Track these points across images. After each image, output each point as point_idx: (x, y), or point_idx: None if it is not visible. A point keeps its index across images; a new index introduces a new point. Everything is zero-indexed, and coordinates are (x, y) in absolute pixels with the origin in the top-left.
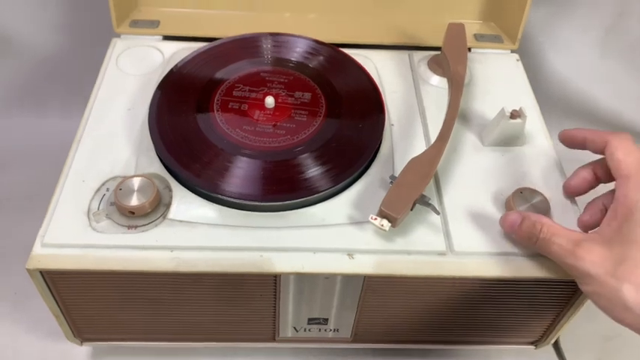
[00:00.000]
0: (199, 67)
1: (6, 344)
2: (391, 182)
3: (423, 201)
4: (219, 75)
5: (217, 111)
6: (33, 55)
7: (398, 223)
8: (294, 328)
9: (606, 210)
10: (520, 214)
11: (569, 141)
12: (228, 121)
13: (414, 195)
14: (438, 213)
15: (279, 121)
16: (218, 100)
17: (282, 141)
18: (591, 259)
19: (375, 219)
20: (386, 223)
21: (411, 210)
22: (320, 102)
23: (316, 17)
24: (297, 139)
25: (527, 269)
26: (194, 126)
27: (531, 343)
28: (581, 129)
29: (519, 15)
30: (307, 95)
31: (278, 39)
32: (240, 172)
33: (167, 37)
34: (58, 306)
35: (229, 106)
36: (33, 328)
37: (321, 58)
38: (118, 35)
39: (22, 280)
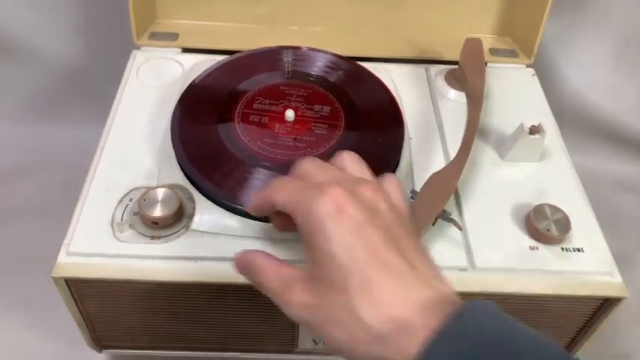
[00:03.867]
0: (220, 79)
1: (24, 350)
2: (412, 197)
3: (445, 216)
4: (239, 88)
5: (239, 123)
6: (52, 65)
7: (420, 238)
8: (314, 340)
9: None
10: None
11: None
12: (250, 133)
13: (435, 210)
14: (460, 228)
15: (300, 134)
16: (239, 113)
17: (303, 154)
18: (297, 299)
19: None
20: None
21: (433, 225)
22: (339, 115)
23: (336, 31)
24: (317, 152)
25: (550, 286)
26: (216, 138)
27: None
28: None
29: (535, 30)
30: (326, 109)
31: (297, 52)
32: (260, 185)
33: (186, 50)
34: (80, 313)
35: (250, 119)
36: (51, 335)
37: (340, 72)
38: (137, 47)
39: (40, 288)
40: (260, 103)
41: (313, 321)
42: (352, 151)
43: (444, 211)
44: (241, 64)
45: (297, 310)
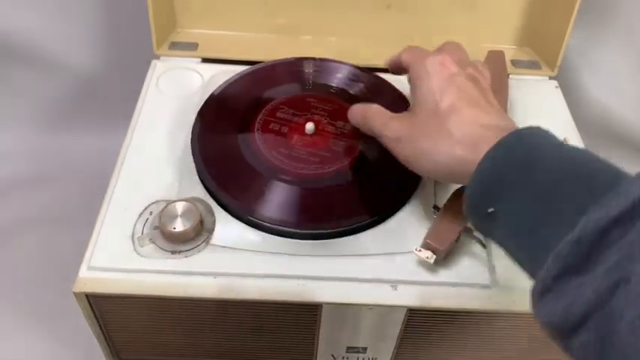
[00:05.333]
0: (242, 89)
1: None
2: (434, 212)
3: (469, 233)
4: (261, 97)
5: (258, 130)
6: (73, 74)
7: (443, 255)
8: (333, 355)
9: None
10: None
11: (394, 68)
12: (267, 143)
13: (459, 227)
14: (484, 246)
15: (315, 149)
16: (260, 120)
17: (322, 168)
18: (395, 127)
19: (420, 251)
20: (430, 255)
21: (456, 242)
22: (360, 133)
23: (355, 41)
24: (329, 168)
25: None
26: (236, 151)
27: None
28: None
29: (559, 41)
30: (349, 126)
31: (325, 65)
32: (281, 199)
33: (205, 60)
34: (100, 326)
35: (270, 127)
36: (69, 345)
37: (366, 88)
38: (157, 57)
39: (57, 298)
40: (284, 112)
41: (403, 137)
42: (373, 165)
43: (468, 227)
44: (262, 75)
45: (393, 132)
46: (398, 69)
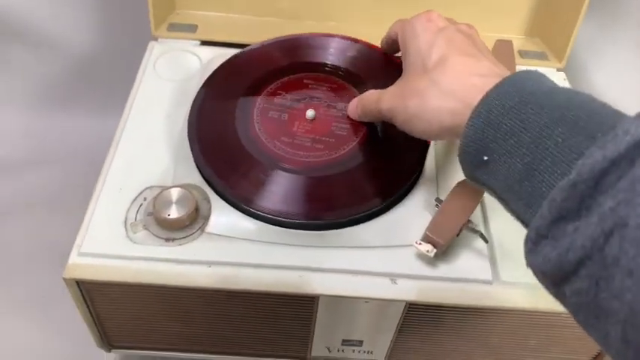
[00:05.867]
0: (240, 71)
1: (32, 346)
2: (437, 205)
3: (470, 227)
4: (260, 81)
5: (257, 120)
6: (69, 54)
7: (443, 249)
8: (328, 348)
9: None
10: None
11: (388, 45)
12: (268, 131)
13: (460, 221)
14: (486, 241)
15: (319, 135)
16: (259, 108)
17: (321, 156)
18: (387, 97)
19: (420, 244)
20: (431, 249)
21: (457, 236)
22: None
23: (357, 27)
24: (335, 154)
25: None
26: (234, 137)
27: None
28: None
29: (568, 32)
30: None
31: (324, 41)
32: (279, 188)
33: (204, 42)
34: (91, 314)
35: (269, 115)
36: (60, 332)
37: (370, 64)
38: (155, 38)
39: (49, 283)
40: (282, 97)
41: (396, 103)
42: (374, 154)
43: (469, 221)
44: (263, 54)
45: (387, 102)
46: (392, 45)
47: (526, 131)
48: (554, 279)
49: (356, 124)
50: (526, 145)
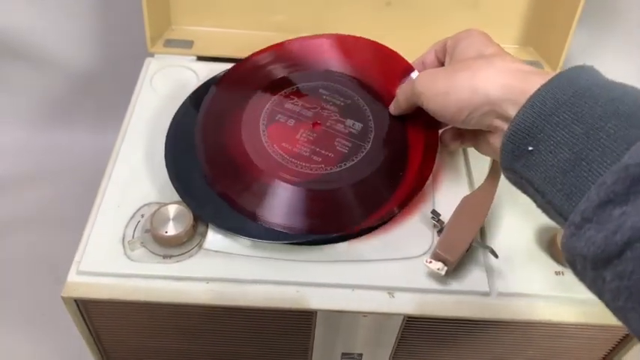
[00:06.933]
0: (244, 79)
1: None
2: (433, 218)
3: (479, 242)
4: (269, 87)
5: (264, 122)
6: (67, 71)
7: (453, 266)
8: None
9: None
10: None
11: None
12: (271, 134)
13: (469, 236)
14: (496, 256)
15: (320, 147)
16: (267, 109)
17: (316, 169)
18: (421, 78)
19: (431, 262)
20: (441, 267)
21: (467, 251)
22: (368, 136)
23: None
24: (329, 170)
25: (575, 314)
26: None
27: None
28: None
29: (562, 41)
30: (358, 126)
31: (353, 45)
32: (279, 202)
33: (200, 58)
34: (89, 331)
35: (276, 118)
36: (58, 349)
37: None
38: (152, 54)
39: (48, 299)
40: (293, 103)
41: (437, 74)
42: (375, 170)
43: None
44: (281, 56)
45: (425, 76)
46: (424, 66)
47: (579, 123)
48: (595, 262)
49: (359, 144)
50: (577, 136)
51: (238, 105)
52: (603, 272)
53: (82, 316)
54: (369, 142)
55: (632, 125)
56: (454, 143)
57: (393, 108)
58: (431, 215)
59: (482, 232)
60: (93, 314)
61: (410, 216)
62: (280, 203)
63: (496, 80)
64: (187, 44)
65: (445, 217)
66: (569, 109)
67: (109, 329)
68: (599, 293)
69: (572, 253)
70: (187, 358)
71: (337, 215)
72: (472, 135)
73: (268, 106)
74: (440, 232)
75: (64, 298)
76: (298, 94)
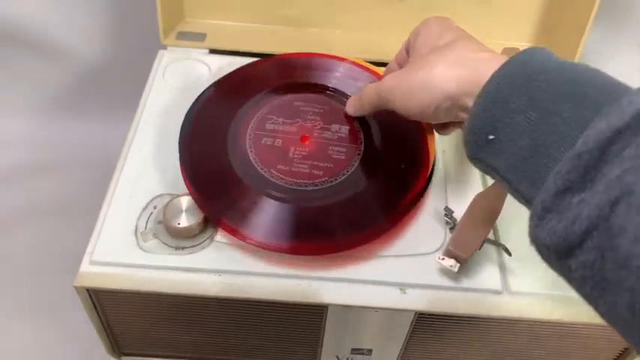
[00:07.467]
0: (227, 96)
1: (41, 353)
2: (446, 215)
3: (493, 240)
4: (247, 106)
5: (250, 149)
6: (79, 62)
7: (466, 263)
8: (337, 356)
9: None
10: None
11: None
12: (263, 159)
13: (483, 234)
14: (509, 254)
15: (316, 160)
16: (250, 136)
17: (321, 182)
18: (388, 78)
19: (443, 259)
20: (454, 264)
21: (479, 249)
22: (358, 137)
23: (369, 35)
24: (335, 181)
25: (586, 314)
26: (227, 165)
27: None
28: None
29: (577, 38)
30: (344, 129)
31: (311, 61)
32: (289, 220)
33: (213, 51)
34: (101, 321)
35: (263, 142)
36: (69, 338)
37: (358, 83)
38: (164, 47)
39: (59, 289)
40: (273, 122)
41: (398, 80)
42: (374, 177)
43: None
44: (251, 75)
45: (388, 82)
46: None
47: (534, 108)
48: (559, 252)
49: (352, 145)
50: (533, 122)
51: (219, 144)
52: (568, 262)
53: (94, 305)
54: (361, 142)
55: (585, 107)
56: (444, 130)
57: (353, 110)
58: (444, 212)
59: (495, 230)
60: (104, 304)
61: (422, 213)
62: (307, 226)
63: (449, 75)
64: (200, 37)
65: (458, 214)
66: (524, 94)
67: (120, 319)
68: (568, 281)
69: (537, 243)
70: (197, 349)
71: (363, 218)
72: (453, 123)
73: (250, 133)
74: (452, 229)
75: (76, 288)
76: (275, 112)
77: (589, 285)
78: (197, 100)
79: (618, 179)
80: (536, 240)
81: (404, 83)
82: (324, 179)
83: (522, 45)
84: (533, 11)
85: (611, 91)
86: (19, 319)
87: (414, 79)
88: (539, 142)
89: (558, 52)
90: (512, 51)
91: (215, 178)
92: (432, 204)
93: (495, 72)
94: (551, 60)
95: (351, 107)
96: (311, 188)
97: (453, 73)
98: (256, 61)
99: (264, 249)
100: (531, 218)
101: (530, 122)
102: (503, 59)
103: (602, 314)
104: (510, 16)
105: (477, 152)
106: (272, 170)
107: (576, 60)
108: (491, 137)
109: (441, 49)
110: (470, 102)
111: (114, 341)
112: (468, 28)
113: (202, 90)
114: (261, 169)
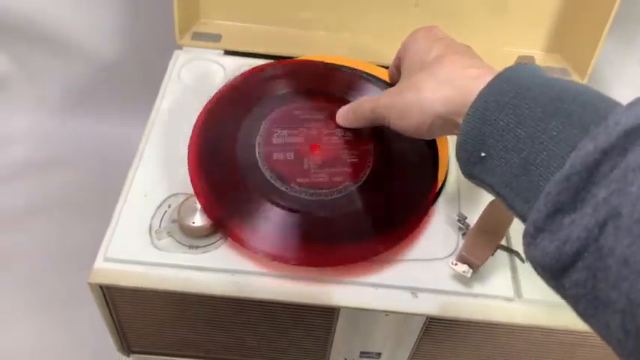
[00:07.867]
0: (229, 109)
1: (51, 348)
2: (459, 220)
3: (506, 247)
4: (250, 120)
5: (265, 167)
6: (95, 61)
7: (479, 269)
8: (345, 359)
9: None
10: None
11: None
12: (281, 177)
13: (496, 240)
14: (522, 260)
15: (333, 167)
16: (260, 154)
17: (344, 188)
18: (383, 97)
19: (456, 264)
20: (467, 269)
21: (492, 255)
22: (365, 135)
23: (383, 40)
24: (356, 185)
25: None
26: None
27: None
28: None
29: (591, 48)
30: (350, 132)
31: (304, 67)
32: (315, 232)
33: (228, 52)
34: (112, 318)
35: (274, 158)
36: (79, 335)
37: (359, 89)
38: (180, 47)
39: (70, 286)
40: (279, 136)
41: (393, 101)
42: (390, 175)
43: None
44: (245, 88)
45: (383, 102)
46: (397, 70)
47: (522, 126)
48: (552, 272)
49: (364, 149)
50: (522, 140)
51: (230, 164)
52: (562, 281)
53: (107, 302)
54: (370, 140)
55: (572, 125)
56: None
57: (345, 122)
58: (457, 218)
59: (508, 236)
60: (117, 301)
61: (436, 218)
62: (349, 231)
63: (438, 95)
64: (215, 38)
65: (471, 220)
66: (512, 112)
67: (132, 317)
68: (564, 299)
69: (532, 262)
70: (207, 348)
71: (386, 220)
72: None
73: (259, 150)
74: (465, 235)
75: (90, 284)
76: (277, 125)
77: (582, 304)
78: (196, 122)
79: (605, 201)
80: (530, 259)
81: (397, 104)
82: (345, 184)
83: (536, 53)
84: (547, 20)
85: (598, 107)
86: (30, 316)
87: (405, 100)
88: (529, 160)
89: (572, 62)
90: (527, 59)
91: (237, 209)
92: (444, 209)
93: (482, 89)
94: (536, 76)
95: (343, 119)
96: (337, 196)
97: (442, 94)
98: (245, 73)
99: (299, 265)
100: (525, 237)
101: (519, 140)
102: (491, 75)
103: (597, 332)
104: (524, 24)
105: (471, 169)
106: (292, 185)
107: (590, 69)
108: (483, 154)
109: (430, 68)
110: (460, 120)
111: (124, 338)
112: (482, 35)
113: (216, 91)
114: (286, 188)
